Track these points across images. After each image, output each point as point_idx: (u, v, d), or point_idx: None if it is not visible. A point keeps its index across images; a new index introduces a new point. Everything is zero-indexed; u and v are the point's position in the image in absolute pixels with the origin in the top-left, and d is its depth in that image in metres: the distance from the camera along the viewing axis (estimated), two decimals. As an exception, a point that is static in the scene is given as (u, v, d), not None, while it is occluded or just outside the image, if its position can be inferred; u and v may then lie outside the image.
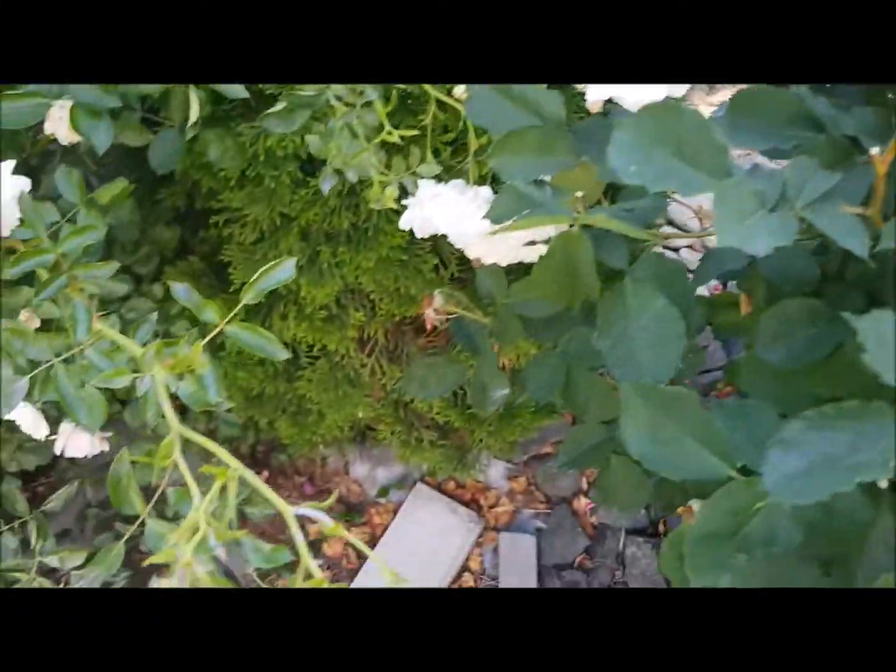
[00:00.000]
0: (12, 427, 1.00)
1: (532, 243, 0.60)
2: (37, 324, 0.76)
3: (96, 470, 1.16)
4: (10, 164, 0.61)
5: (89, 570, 0.43)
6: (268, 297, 0.99)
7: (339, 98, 0.64)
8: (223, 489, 0.41)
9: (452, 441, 1.26)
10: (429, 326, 0.90)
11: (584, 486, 1.26)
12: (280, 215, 0.90)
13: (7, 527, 0.69)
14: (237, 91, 0.66)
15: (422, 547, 1.23)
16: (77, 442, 0.76)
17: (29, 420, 0.74)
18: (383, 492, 1.28)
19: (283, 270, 0.51)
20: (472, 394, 0.91)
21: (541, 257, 0.58)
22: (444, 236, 1.00)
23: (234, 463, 0.42)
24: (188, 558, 0.36)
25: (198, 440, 0.47)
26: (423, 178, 0.64)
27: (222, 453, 0.43)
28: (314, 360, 1.11)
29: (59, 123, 0.68)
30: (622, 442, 0.91)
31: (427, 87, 0.65)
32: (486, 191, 0.62)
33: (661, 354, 0.56)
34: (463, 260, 1.00)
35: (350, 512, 1.28)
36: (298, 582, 0.40)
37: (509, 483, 1.27)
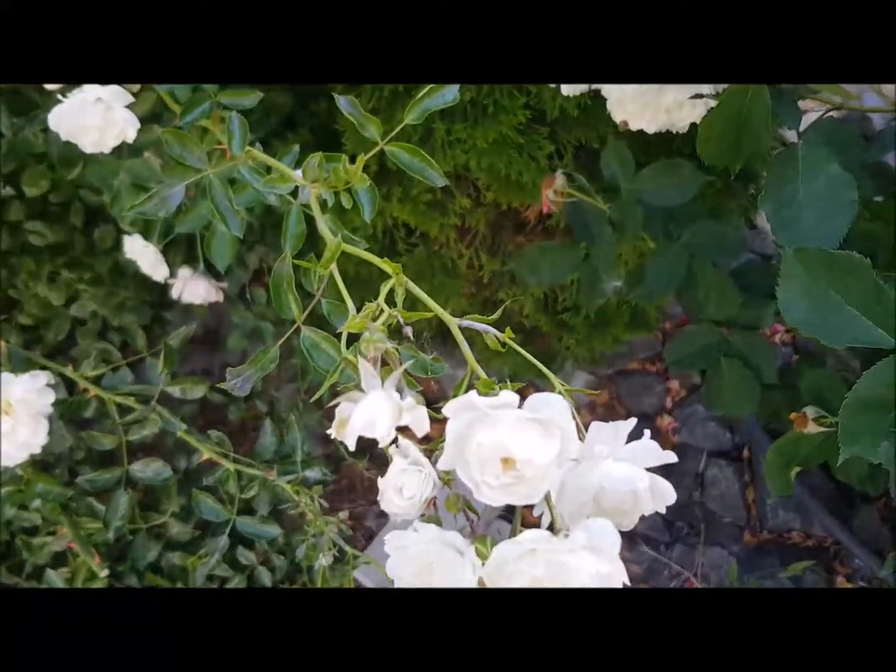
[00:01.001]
0: (117, 283, 1.02)
1: (699, 96, 0.56)
2: (158, 164, 0.76)
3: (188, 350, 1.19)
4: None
5: (244, 368, 0.43)
6: (377, 174, 0.99)
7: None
8: (390, 292, 0.40)
9: (538, 346, 1.24)
10: (545, 209, 0.87)
11: (669, 405, 1.24)
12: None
13: (126, 361, 0.70)
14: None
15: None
16: (194, 288, 0.76)
17: (150, 260, 0.75)
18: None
19: (448, 91, 0.49)
20: (583, 284, 0.88)
21: (710, 109, 0.54)
22: (563, 121, 0.96)
23: (397, 267, 0.41)
24: (378, 334, 0.35)
25: (356, 252, 0.46)
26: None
27: (385, 263, 0.42)
28: (412, 248, 1.10)
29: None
30: (738, 346, 0.88)
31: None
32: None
33: (830, 221, 0.53)
34: (579, 149, 0.97)
35: (429, 408, 1.29)
36: (462, 389, 0.39)
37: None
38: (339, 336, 0.43)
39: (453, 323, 0.41)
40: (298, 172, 0.53)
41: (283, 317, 0.44)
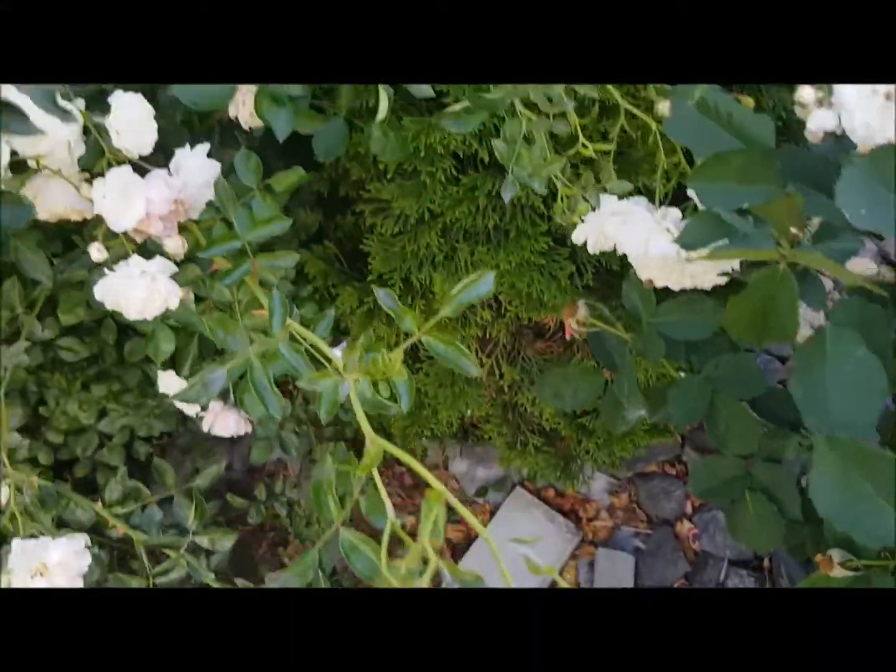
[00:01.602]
0: (146, 393, 1.03)
1: (724, 274, 0.57)
2: (192, 300, 0.77)
3: (209, 448, 1.19)
4: (204, 147, 0.62)
5: (284, 573, 0.43)
6: (401, 288, 1.00)
7: (526, 104, 0.63)
8: (431, 513, 0.41)
9: (557, 448, 1.24)
10: (568, 336, 0.88)
11: (689, 510, 1.23)
12: (427, 210, 0.90)
13: (156, 498, 0.71)
14: (424, 91, 0.65)
15: (516, 552, 1.22)
16: (225, 421, 0.77)
17: (182, 395, 0.77)
18: (482, 492, 1.28)
19: (483, 284, 0.50)
20: (606, 411, 0.89)
21: (739, 293, 0.55)
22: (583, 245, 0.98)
23: (440, 486, 0.42)
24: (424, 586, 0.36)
25: (401, 455, 0.46)
26: (610, 193, 0.62)
27: (430, 478, 0.43)
28: (433, 357, 1.11)
29: (241, 108, 0.69)
30: (761, 479, 0.88)
31: (618, 97, 0.63)
32: (675, 212, 0.60)
33: (859, 407, 0.53)
34: (598, 269, 0.98)
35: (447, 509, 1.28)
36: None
37: (611, 498, 1.25)
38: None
39: (489, 539, 0.42)
40: (337, 352, 0.54)
41: (321, 520, 0.44)
